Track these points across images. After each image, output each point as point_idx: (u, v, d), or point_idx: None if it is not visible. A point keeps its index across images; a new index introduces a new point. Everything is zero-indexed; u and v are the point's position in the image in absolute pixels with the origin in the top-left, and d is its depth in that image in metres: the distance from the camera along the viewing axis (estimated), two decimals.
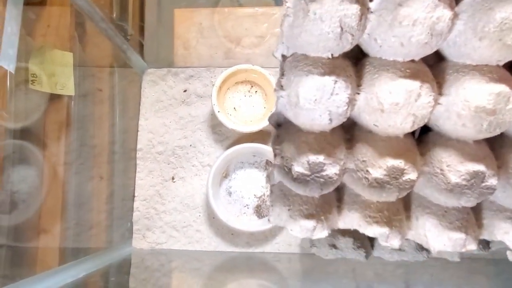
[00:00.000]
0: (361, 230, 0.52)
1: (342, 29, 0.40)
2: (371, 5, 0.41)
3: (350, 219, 0.53)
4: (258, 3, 0.92)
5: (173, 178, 0.90)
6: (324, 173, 0.46)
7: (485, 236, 0.54)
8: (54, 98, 0.73)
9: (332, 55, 0.43)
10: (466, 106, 0.43)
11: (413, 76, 0.42)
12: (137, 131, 0.91)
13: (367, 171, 0.46)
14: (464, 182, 0.46)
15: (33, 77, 0.66)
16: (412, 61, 0.44)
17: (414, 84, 0.42)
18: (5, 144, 0.68)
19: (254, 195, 0.87)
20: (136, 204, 0.89)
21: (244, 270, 0.84)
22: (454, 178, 0.46)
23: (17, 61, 0.56)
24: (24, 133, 0.72)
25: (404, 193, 0.47)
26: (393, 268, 0.74)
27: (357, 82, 0.44)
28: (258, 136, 0.86)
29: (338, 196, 0.54)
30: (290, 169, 0.46)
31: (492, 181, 0.46)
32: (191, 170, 0.90)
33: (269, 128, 0.83)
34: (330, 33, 0.40)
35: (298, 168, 0.46)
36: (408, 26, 0.40)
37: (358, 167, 0.47)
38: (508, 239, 0.53)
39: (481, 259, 0.78)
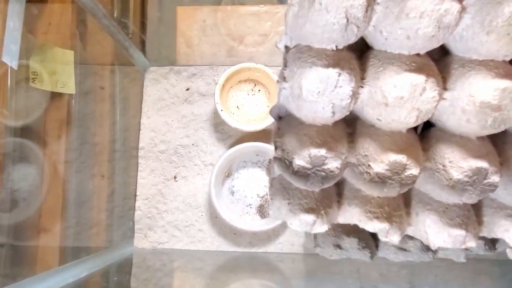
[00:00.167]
0: (361, 225, 0.51)
1: (347, 20, 0.39)
2: None
3: (350, 214, 0.52)
4: (262, 1, 0.91)
5: (175, 177, 0.89)
6: (325, 167, 0.45)
7: (485, 233, 0.54)
8: (55, 96, 0.73)
9: (336, 47, 0.42)
10: (471, 101, 0.42)
11: (419, 70, 0.42)
12: (139, 129, 0.91)
13: (368, 165, 0.46)
14: (466, 179, 0.45)
15: (34, 75, 0.66)
16: (418, 54, 0.43)
17: (420, 78, 0.41)
18: (5, 142, 0.68)
19: (257, 194, 0.86)
20: (137, 203, 0.89)
21: (246, 270, 0.83)
22: (456, 174, 0.45)
23: (19, 58, 0.56)
24: (24, 131, 0.72)
25: (406, 189, 0.47)
26: (398, 268, 0.73)
27: (361, 75, 0.44)
28: (261, 135, 0.85)
29: (338, 191, 0.54)
30: (291, 162, 0.46)
31: (495, 178, 0.46)
32: (193, 169, 0.89)
33: (272, 127, 0.82)
34: (335, 24, 0.39)
35: (299, 161, 0.45)
36: (415, 18, 0.39)
37: (360, 162, 0.47)
38: (508, 236, 0.52)
39: (485, 260, 0.77)
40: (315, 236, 0.60)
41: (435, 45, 0.42)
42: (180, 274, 0.81)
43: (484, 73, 0.42)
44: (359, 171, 0.47)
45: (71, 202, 0.77)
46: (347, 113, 0.45)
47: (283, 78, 0.44)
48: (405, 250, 0.59)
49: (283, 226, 0.84)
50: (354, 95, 0.43)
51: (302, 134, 0.46)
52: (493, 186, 0.46)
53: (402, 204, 0.53)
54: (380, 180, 0.45)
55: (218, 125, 0.90)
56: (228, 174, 0.87)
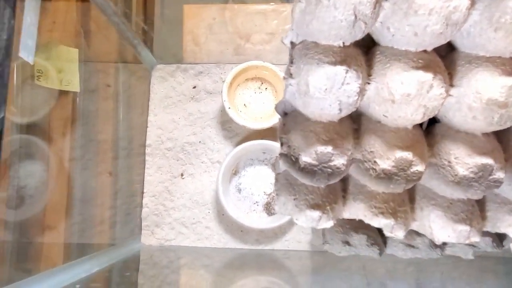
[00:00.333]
0: (366, 221, 0.51)
1: (355, 17, 0.39)
2: None
3: (355, 210, 0.52)
4: (268, 0, 0.91)
5: (182, 175, 0.89)
6: (332, 164, 0.45)
7: (488, 228, 0.54)
8: (62, 93, 0.73)
9: (343, 43, 0.42)
10: (478, 98, 0.42)
11: (426, 67, 0.41)
12: (146, 127, 0.91)
13: (374, 162, 0.45)
14: (471, 175, 0.45)
15: (39, 73, 0.66)
16: (425, 51, 0.43)
17: (427, 76, 0.41)
18: (12, 139, 0.68)
19: (264, 192, 0.86)
20: (145, 200, 0.89)
21: (253, 267, 0.83)
22: (461, 171, 0.45)
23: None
24: (31, 128, 0.72)
25: (411, 185, 0.47)
26: (404, 265, 0.73)
27: (367, 71, 0.43)
28: (268, 133, 0.85)
29: (343, 186, 0.54)
30: (297, 159, 0.45)
31: (500, 174, 0.45)
32: (200, 166, 0.89)
33: (278, 123, 0.82)
34: (343, 21, 0.39)
35: (306, 158, 0.45)
36: (424, 15, 0.39)
37: (366, 158, 0.46)
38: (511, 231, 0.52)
39: (491, 257, 0.77)
40: (324, 232, 0.60)
41: (443, 42, 0.42)
42: (187, 271, 0.81)
43: (491, 70, 0.42)
44: (365, 167, 0.47)
45: (78, 199, 0.77)
46: (354, 109, 0.45)
47: (289, 75, 0.43)
48: (413, 247, 0.59)
49: (290, 223, 0.84)
50: (361, 92, 0.42)
51: (308, 131, 0.46)
52: (498, 182, 0.46)
53: (406, 199, 0.53)
54: (386, 177, 0.45)
55: (225, 123, 0.90)
56: (235, 171, 0.87)
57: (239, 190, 0.87)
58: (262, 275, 0.79)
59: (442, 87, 0.42)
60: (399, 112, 0.43)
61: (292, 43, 0.45)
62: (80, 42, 0.76)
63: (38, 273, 0.58)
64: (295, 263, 0.84)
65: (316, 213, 0.49)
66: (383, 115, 0.44)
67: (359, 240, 0.58)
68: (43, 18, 0.63)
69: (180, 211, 0.88)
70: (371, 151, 0.46)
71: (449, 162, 0.46)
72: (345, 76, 0.41)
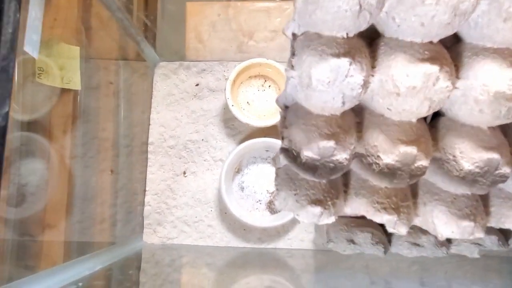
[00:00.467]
0: (368, 216, 0.49)
1: (360, 6, 0.37)
2: None
3: (357, 205, 0.50)
4: None
5: (184, 173, 0.88)
6: (334, 158, 0.44)
7: (492, 223, 0.52)
8: (63, 90, 0.73)
9: (347, 34, 0.40)
10: (485, 91, 0.41)
11: (432, 59, 0.40)
12: (149, 124, 0.90)
13: (378, 156, 0.44)
14: (477, 170, 0.44)
15: (40, 70, 0.65)
16: (431, 42, 0.41)
17: (433, 68, 0.40)
18: (13, 136, 0.67)
19: (267, 190, 0.85)
20: (147, 198, 0.88)
21: (256, 266, 0.82)
22: (467, 165, 0.44)
23: (26, 53, 0.55)
24: (32, 126, 0.71)
25: (415, 180, 0.45)
26: (408, 264, 0.72)
27: (371, 63, 0.42)
28: (271, 131, 0.84)
29: (345, 181, 0.52)
30: (298, 153, 0.44)
31: (506, 169, 0.44)
32: (203, 164, 0.88)
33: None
34: (347, 11, 0.37)
35: (308, 152, 0.43)
36: (431, 5, 0.37)
37: (369, 152, 0.45)
38: None
39: (495, 257, 0.76)
40: (328, 231, 0.59)
41: (450, 32, 0.41)
42: (189, 270, 0.80)
43: (499, 61, 0.41)
44: (367, 162, 0.45)
45: (79, 197, 0.76)
46: (357, 102, 0.43)
47: (291, 67, 0.42)
48: (418, 245, 0.58)
49: (293, 222, 0.83)
50: (365, 85, 0.41)
51: (310, 125, 0.44)
52: (504, 177, 0.45)
53: (409, 194, 0.52)
54: (390, 171, 0.44)
55: (228, 121, 0.89)
56: (238, 170, 0.86)
57: (242, 189, 0.86)
58: (264, 274, 0.78)
59: (448, 79, 0.40)
60: (404, 105, 0.42)
61: (294, 34, 0.44)
62: (81, 39, 0.75)
63: (38, 271, 0.57)
64: (298, 262, 0.83)
65: (317, 209, 0.47)
66: (387, 108, 0.43)
67: (364, 238, 0.57)
68: (44, 15, 0.62)
69: (183, 210, 0.87)
70: (374, 145, 0.44)
71: (454, 156, 0.45)
72: (349, 68, 0.39)
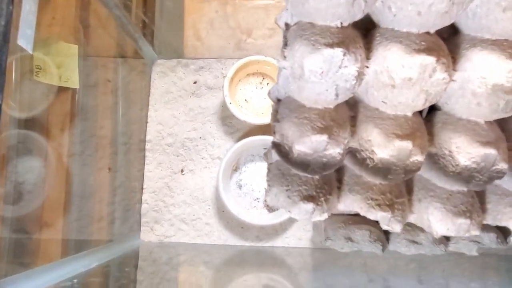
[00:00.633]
0: (362, 213, 0.48)
1: None
2: None
3: (350, 201, 0.49)
4: None
5: (182, 171, 0.87)
6: (327, 153, 0.42)
7: (488, 220, 0.51)
8: (61, 88, 0.72)
9: (341, 23, 0.39)
10: (483, 83, 0.39)
11: (429, 49, 0.38)
12: (146, 122, 0.89)
13: (372, 151, 0.43)
14: (473, 165, 0.42)
15: (38, 68, 0.64)
16: (427, 33, 0.40)
17: (430, 59, 0.38)
18: (10, 134, 0.66)
19: (265, 188, 0.84)
20: (144, 196, 0.87)
21: (254, 264, 0.82)
22: (463, 160, 0.42)
23: (22, 50, 0.54)
24: (30, 123, 0.70)
25: (410, 175, 0.44)
26: (405, 262, 0.72)
27: (366, 54, 0.40)
28: (269, 129, 0.82)
29: (339, 177, 0.51)
30: (290, 148, 0.43)
31: (503, 165, 0.43)
32: (200, 162, 0.87)
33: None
34: None
35: (300, 146, 0.42)
36: None
37: (363, 147, 0.44)
38: None
39: (493, 255, 0.75)
40: (326, 229, 0.57)
41: (447, 22, 0.39)
42: (187, 268, 0.79)
43: (498, 53, 0.39)
44: (361, 156, 0.44)
45: (77, 195, 0.75)
46: (351, 95, 0.42)
47: (283, 57, 0.41)
48: (416, 243, 0.57)
49: (291, 220, 0.82)
50: (359, 76, 0.39)
51: (303, 118, 0.43)
52: (501, 173, 0.43)
53: (404, 190, 0.50)
54: (384, 167, 0.43)
55: (226, 119, 0.88)
56: (235, 167, 0.85)
57: (240, 186, 0.85)
58: (262, 272, 0.77)
59: (445, 71, 0.39)
60: (399, 98, 0.40)
61: (286, 24, 0.42)
62: (79, 37, 0.74)
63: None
64: (295, 260, 0.82)
65: (309, 205, 0.46)
66: (382, 101, 0.42)
67: (361, 236, 0.55)
68: (42, 13, 0.61)
69: (180, 208, 0.86)
70: (368, 140, 0.43)
71: (449, 151, 0.43)
72: (343, 59, 0.38)
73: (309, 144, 0.42)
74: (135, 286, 0.68)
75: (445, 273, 0.70)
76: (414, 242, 0.57)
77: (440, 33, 0.41)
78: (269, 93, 0.47)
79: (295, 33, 0.40)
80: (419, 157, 0.42)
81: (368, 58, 0.40)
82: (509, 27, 0.39)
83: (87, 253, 0.67)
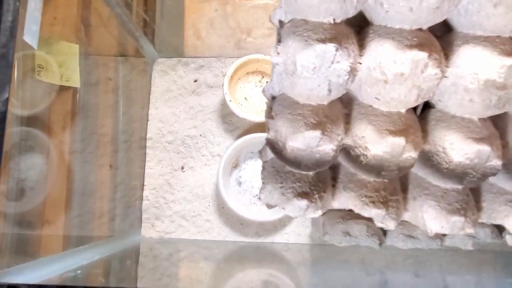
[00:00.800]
0: (356, 210, 0.47)
1: None
2: None
3: (345, 199, 0.48)
4: None
5: (182, 168, 0.87)
6: (320, 149, 0.42)
7: (484, 219, 0.50)
8: (63, 86, 0.72)
9: (334, 20, 0.39)
10: (475, 79, 0.39)
11: (421, 45, 0.38)
12: (147, 120, 0.89)
13: (365, 147, 0.42)
14: (467, 162, 0.42)
15: (39, 67, 0.65)
16: (420, 29, 0.40)
17: (422, 54, 0.38)
18: (13, 131, 0.66)
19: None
20: (145, 193, 0.87)
21: (253, 259, 0.81)
22: (456, 157, 0.42)
23: (25, 49, 0.55)
24: (32, 121, 0.70)
25: (404, 172, 0.44)
26: (403, 258, 0.71)
27: (359, 51, 0.40)
28: None
29: (333, 175, 0.50)
30: (284, 144, 0.42)
31: (496, 162, 0.42)
32: (200, 160, 0.87)
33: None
34: None
35: (293, 142, 0.41)
36: None
37: (356, 144, 0.43)
38: (508, 222, 0.49)
39: (490, 251, 0.75)
40: (324, 223, 0.57)
41: (439, 19, 0.39)
42: (187, 264, 0.79)
43: (490, 49, 0.39)
44: (355, 153, 0.43)
45: (78, 192, 0.75)
46: (344, 91, 0.41)
47: (276, 54, 0.40)
48: (413, 237, 0.56)
49: (290, 216, 0.82)
50: (352, 72, 0.39)
51: (296, 114, 0.42)
52: (495, 170, 0.43)
53: (399, 188, 0.49)
54: (378, 163, 0.42)
55: (226, 116, 0.87)
56: (235, 165, 0.85)
57: (240, 183, 0.84)
58: (261, 268, 0.77)
59: (437, 66, 0.39)
60: (392, 94, 0.40)
61: (280, 21, 0.42)
62: (81, 37, 0.74)
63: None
64: (294, 256, 0.82)
65: (303, 202, 0.45)
66: (375, 97, 0.41)
67: (359, 230, 0.55)
68: (44, 12, 0.61)
69: (181, 204, 0.86)
70: (362, 136, 0.43)
71: (443, 148, 0.43)
72: (335, 54, 0.37)
73: (302, 140, 0.41)
74: (136, 282, 0.68)
75: (442, 268, 0.70)
76: (410, 236, 0.56)
77: (433, 31, 0.41)
78: (263, 91, 0.47)
79: (289, 30, 0.40)
80: (412, 154, 0.42)
81: (361, 54, 0.40)
82: (501, 23, 0.38)
83: (90, 247, 0.68)
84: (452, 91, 0.41)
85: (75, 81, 0.69)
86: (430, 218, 0.47)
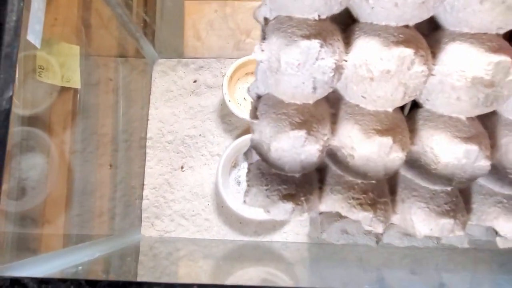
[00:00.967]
0: (343, 213, 0.46)
1: None
2: None
3: (332, 202, 0.47)
4: None
5: (182, 167, 0.87)
6: (305, 149, 0.41)
7: (473, 221, 0.49)
8: (64, 87, 0.72)
9: (319, 16, 0.38)
10: (462, 76, 0.38)
11: (407, 42, 0.37)
12: (147, 120, 0.89)
13: (352, 148, 0.41)
14: (455, 162, 0.41)
15: (40, 68, 0.65)
16: (406, 26, 0.39)
17: (408, 51, 0.37)
18: (14, 131, 0.66)
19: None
20: (145, 192, 0.86)
21: (252, 258, 0.81)
22: (444, 157, 0.41)
23: (26, 50, 0.55)
24: (33, 121, 0.70)
25: (391, 173, 0.42)
26: (400, 257, 0.71)
27: (345, 48, 0.39)
28: None
29: (320, 177, 0.48)
30: (268, 145, 0.41)
31: (485, 162, 0.41)
32: (200, 159, 0.87)
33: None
34: None
35: (277, 143, 0.40)
36: None
37: (343, 144, 0.42)
38: (497, 224, 0.47)
39: (486, 250, 0.74)
40: (322, 222, 0.56)
41: (425, 15, 0.38)
42: (187, 263, 0.78)
43: (477, 46, 0.38)
44: (342, 154, 0.42)
45: (79, 191, 0.75)
46: (330, 89, 0.40)
47: (260, 51, 0.39)
48: (409, 235, 0.55)
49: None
50: (338, 69, 0.38)
51: (281, 113, 0.41)
52: (484, 170, 0.42)
53: (387, 190, 0.48)
54: (364, 163, 0.41)
55: (225, 117, 0.87)
56: (234, 164, 0.85)
57: (239, 183, 0.84)
58: (260, 266, 0.77)
59: (424, 64, 0.38)
60: (378, 91, 0.39)
61: (265, 19, 0.41)
62: (81, 38, 0.74)
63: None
64: (292, 255, 0.82)
65: (289, 205, 0.44)
66: (362, 96, 0.40)
67: (356, 228, 0.55)
68: (45, 13, 0.62)
69: (180, 203, 0.86)
70: (348, 136, 0.41)
71: (431, 148, 0.42)
72: (320, 50, 0.36)
73: (286, 140, 0.40)
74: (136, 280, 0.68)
75: (438, 267, 0.69)
76: (407, 234, 0.56)
77: (420, 29, 0.40)
78: (248, 90, 0.46)
79: (273, 26, 0.39)
80: (399, 154, 0.41)
81: (347, 52, 0.39)
82: (487, 20, 0.38)
83: (90, 244, 0.67)
84: (439, 89, 0.40)
85: (76, 82, 0.69)
86: (419, 220, 0.45)
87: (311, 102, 0.42)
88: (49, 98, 0.72)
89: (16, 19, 0.43)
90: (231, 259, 0.81)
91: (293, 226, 0.84)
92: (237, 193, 0.84)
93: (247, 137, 0.81)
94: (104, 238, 0.75)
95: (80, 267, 0.58)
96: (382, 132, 0.41)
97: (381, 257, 0.72)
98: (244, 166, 0.84)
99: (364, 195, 0.45)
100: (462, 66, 0.38)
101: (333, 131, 0.43)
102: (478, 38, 0.39)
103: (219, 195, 0.83)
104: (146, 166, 0.87)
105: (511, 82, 0.39)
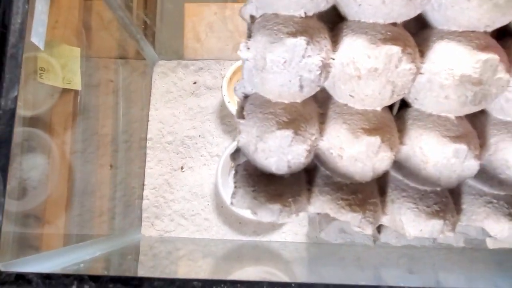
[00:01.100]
0: (332, 214, 0.44)
1: None
2: None
3: (321, 203, 0.45)
4: None
5: (182, 168, 0.86)
6: (292, 149, 0.40)
7: (463, 221, 0.48)
8: (65, 88, 0.72)
9: (305, 13, 0.37)
10: (450, 75, 0.38)
11: (394, 39, 0.37)
12: (147, 121, 0.89)
13: (340, 148, 0.40)
14: (444, 161, 0.40)
15: (41, 70, 0.65)
16: (394, 24, 0.38)
17: (395, 48, 0.36)
18: (16, 131, 0.66)
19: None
20: (145, 192, 0.86)
21: (251, 258, 0.81)
22: (433, 157, 0.40)
23: (28, 51, 0.55)
24: (34, 122, 0.70)
25: (380, 172, 0.42)
26: (397, 257, 0.70)
27: (333, 47, 0.38)
28: None
29: (309, 178, 0.47)
30: (255, 145, 0.40)
31: (474, 161, 0.41)
32: (199, 160, 0.87)
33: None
34: None
35: (264, 143, 0.40)
36: None
37: (331, 144, 0.41)
38: (487, 224, 0.46)
39: (483, 249, 0.74)
40: (320, 221, 0.56)
41: (412, 12, 0.37)
42: (186, 262, 0.78)
43: (465, 44, 0.38)
44: (330, 154, 0.41)
45: (79, 191, 0.75)
46: (317, 88, 0.40)
47: (246, 49, 0.39)
48: None
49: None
50: (325, 67, 0.37)
51: (268, 113, 0.40)
52: (473, 170, 0.41)
53: (376, 191, 0.47)
54: (353, 163, 0.41)
55: (224, 118, 0.87)
56: (233, 165, 0.85)
57: None
58: (259, 266, 0.76)
59: (411, 61, 0.37)
60: (366, 90, 0.38)
61: (252, 16, 0.40)
62: (82, 40, 0.74)
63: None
64: (291, 254, 0.81)
65: (276, 206, 0.42)
66: (349, 94, 0.40)
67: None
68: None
69: (180, 203, 0.85)
70: (337, 136, 0.40)
71: (420, 147, 0.41)
72: (306, 48, 0.36)
73: (273, 139, 0.39)
74: None
75: (435, 267, 0.69)
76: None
77: (409, 28, 0.39)
78: (235, 89, 0.44)
79: (259, 24, 0.38)
80: (388, 154, 0.40)
81: (334, 50, 0.38)
82: (475, 17, 0.37)
83: (91, 243, 0.67)
84: (427, 88, 0.39)
85: (77, 83, 0.70)
86: (408, 221, 0.44)
87: (298, 101, 0.41)
88: (50, 99, 0.72)
89: (21, 21, 0.44)
90: (230, 259, 0.81)
91: (291, 226, 0.83)
92: None
93: None
94: (105, 237, 0.75)
95: (81, 265, 0.58)
96: (370, 131, 0.40)
97: (379, 256, 0.72)
98: None
99: (353, 196, 0.44)
100: (450, 64, 0.38)
101: (321, 131, 0.42)
102: (466, 36, 0.38)
103: (218, 195, 0.83)
104: (146, 167, 0.87)
105: (499, 80, 0.38)
